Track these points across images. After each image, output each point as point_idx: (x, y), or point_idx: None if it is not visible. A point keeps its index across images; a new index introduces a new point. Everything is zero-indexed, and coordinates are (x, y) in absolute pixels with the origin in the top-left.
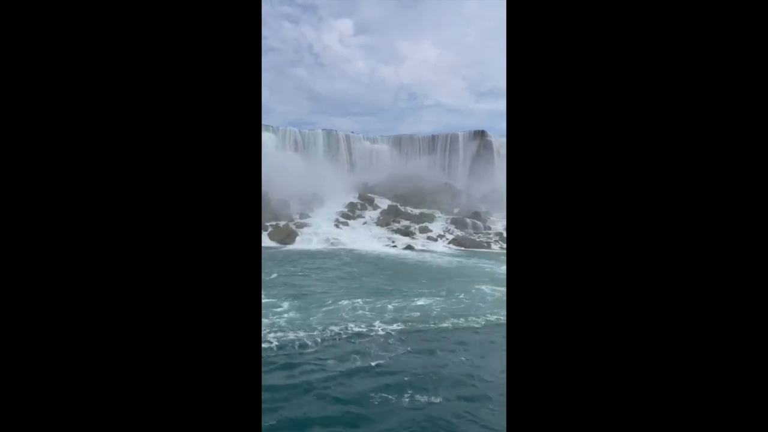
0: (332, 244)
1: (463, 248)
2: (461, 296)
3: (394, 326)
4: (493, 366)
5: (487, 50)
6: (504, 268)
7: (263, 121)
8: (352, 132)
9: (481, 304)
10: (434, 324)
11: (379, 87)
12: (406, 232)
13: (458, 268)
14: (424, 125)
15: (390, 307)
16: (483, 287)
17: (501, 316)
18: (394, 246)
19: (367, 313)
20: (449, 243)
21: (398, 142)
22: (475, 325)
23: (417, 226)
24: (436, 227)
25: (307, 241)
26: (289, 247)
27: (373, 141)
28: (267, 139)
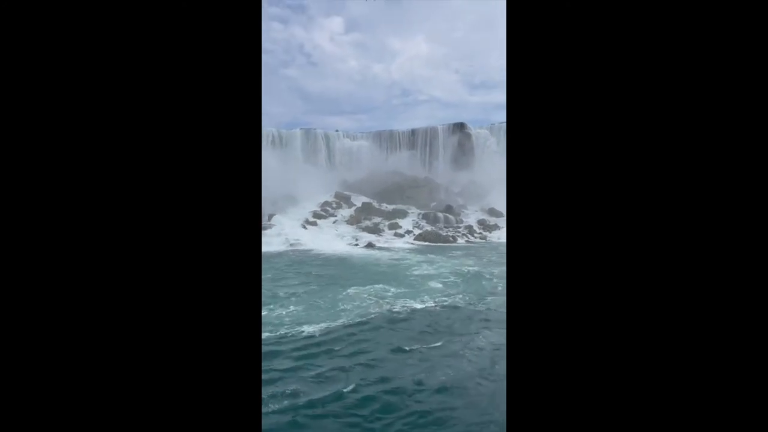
0: (292, 245)
1: (427, 243)
2: (320, 302)
3: None
4: None
5: (477, 43)
6: (436, 266)
7: None
8: (337, 130)
9: (308, 313)
10: None
11: (372, 84)
12: (374, 230)
13: (389, 266)
14: (419, 121)
15: None
16: (359, 289)
17: (295, 328)
18: (356, 245)
19: None
20: (415, 239)
21: (378, 138)
22: None
23: (387, 223)
24: (407, 223)
25: (267, 244)
26: None
27: (354, 138)
28: None
